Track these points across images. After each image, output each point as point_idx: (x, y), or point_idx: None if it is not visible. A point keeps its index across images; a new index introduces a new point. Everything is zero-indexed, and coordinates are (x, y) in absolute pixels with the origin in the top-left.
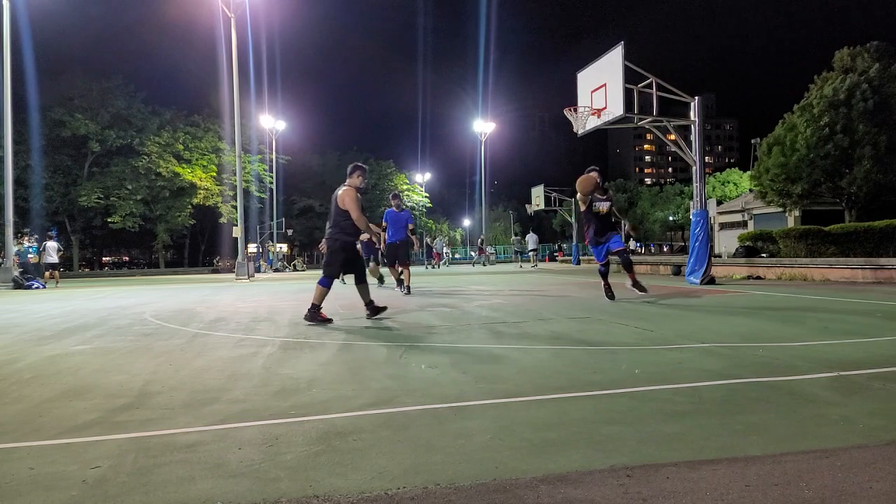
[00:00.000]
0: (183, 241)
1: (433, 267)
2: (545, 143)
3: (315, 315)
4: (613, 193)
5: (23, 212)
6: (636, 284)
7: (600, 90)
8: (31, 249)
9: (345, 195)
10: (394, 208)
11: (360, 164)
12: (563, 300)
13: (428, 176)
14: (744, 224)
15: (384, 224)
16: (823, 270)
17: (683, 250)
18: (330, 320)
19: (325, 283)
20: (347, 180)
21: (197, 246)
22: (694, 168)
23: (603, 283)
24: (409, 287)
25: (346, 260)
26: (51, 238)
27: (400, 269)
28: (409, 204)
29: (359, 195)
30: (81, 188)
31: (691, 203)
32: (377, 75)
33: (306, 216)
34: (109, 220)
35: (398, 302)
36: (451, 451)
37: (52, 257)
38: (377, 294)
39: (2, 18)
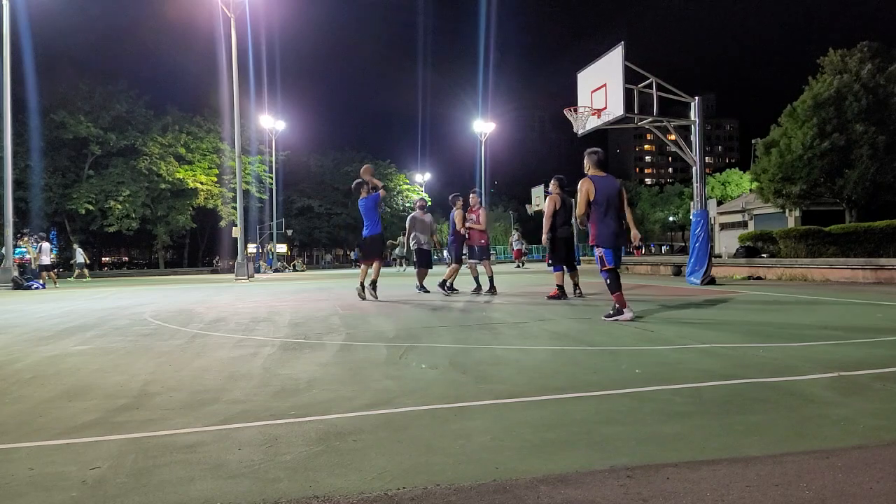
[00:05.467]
0: (183, 241)
1: (518, 266)
2: (545, 144)
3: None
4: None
5: (22, 213)
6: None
7: (600, 90)
8: (25, 251)
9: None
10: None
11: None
12: (563, 300)
13: (428, 176)
14: (744, 224)
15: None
16: (824, 271)
17: (684, 250)
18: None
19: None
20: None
21: (196, 246)
22: (694, 168)
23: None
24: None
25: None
26: (44, 239)
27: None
28: (408, 204)
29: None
30: (74, 192)
31: (691, 203)
32: (377, 75)
33: (305, 216)
34: (105, 222)
35: (398, 302)
36: (451, 452)
37: (45, 259)
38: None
39: (1, 18)
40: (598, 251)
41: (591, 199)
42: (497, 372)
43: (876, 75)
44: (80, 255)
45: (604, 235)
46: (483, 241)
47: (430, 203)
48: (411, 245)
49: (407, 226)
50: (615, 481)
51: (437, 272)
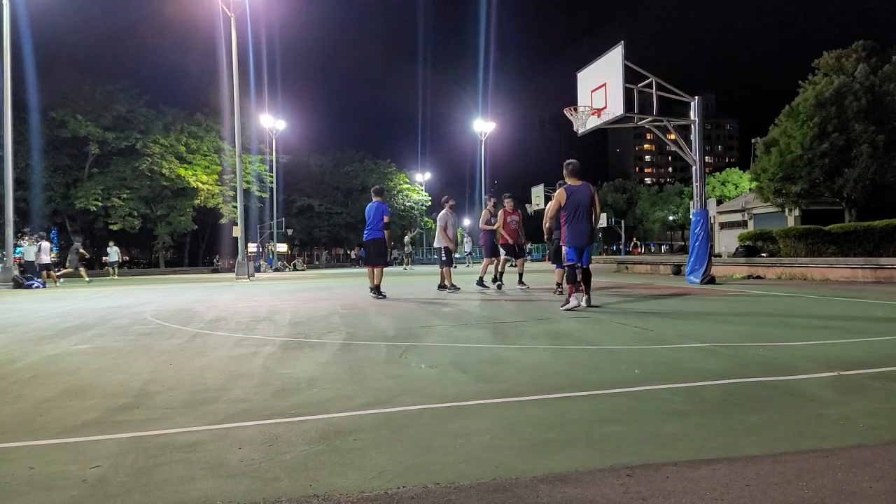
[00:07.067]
0: (183, 240)
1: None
2: (545, 143)
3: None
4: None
5: (23, 212)
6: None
7: (600, 90)
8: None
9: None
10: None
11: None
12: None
13: (428, 175)
14: (744, 224)
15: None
16: (823, 270)
17: (683, 250)
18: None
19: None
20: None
21: (197, 245)
22: (694, 168)
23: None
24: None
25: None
26: (44, 238)
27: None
28: (408, 203)
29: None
30: (79, 190)
31: (691, 203)
32: (377, 75)
33: (306, 215)
34: (108, 220)
35: (399, 301)
36: (451, 451)
37: (45, 258)
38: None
39: (1, 17)
40: (564, 249)
41: (562, 206)
42: (497, 371)
43: (870, 76)
44: (114, 254)
45: (570, 237)
46: (522, 241)
47: (429, 203)
48: (443, 244)
49: (451, 224)
50: (615, 480)
51: (432, 272)
